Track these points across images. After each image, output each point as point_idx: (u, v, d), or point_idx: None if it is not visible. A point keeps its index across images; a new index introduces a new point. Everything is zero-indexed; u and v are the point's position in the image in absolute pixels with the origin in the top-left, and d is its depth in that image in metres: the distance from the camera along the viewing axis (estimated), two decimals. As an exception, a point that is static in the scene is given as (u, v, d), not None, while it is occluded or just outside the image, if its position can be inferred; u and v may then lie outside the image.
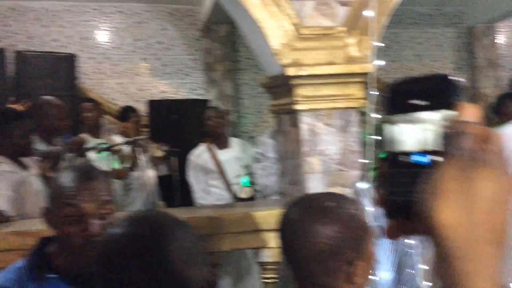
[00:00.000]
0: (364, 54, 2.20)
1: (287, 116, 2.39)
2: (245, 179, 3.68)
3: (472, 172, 0.42)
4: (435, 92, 0.45)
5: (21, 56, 4.59)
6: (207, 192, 3.65)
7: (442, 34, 5.70)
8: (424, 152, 0.45)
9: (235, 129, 5.25)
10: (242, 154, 3.67)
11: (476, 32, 5.59)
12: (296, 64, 2.18)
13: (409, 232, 0.47)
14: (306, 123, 2.20)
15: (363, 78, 2.18)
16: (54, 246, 1.27)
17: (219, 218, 2.14)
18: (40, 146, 2.94)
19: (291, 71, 2.16)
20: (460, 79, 0.45)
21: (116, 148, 3.51)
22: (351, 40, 2.22)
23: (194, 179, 3.65)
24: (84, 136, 3.62)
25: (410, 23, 5.62)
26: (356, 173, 2.19)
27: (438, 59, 5.69)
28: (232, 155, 3.63)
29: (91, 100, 4.13)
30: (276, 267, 2.16)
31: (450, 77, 0.45)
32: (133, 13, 5.19)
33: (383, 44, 2.35)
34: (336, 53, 2.20)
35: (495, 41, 5.70)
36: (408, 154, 0.46)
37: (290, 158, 2.39)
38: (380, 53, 5.91)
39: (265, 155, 2.98)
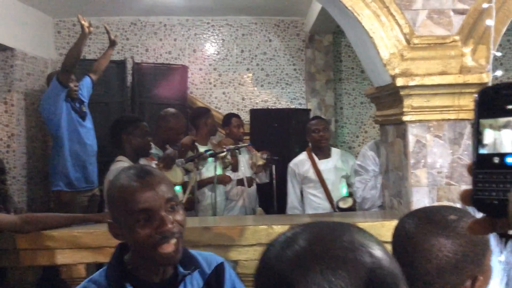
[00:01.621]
0: (480, 64, 2.11)
1: (393, 127, 2.36)
2: (345, 189, 3.66)
3: None
4: None
5: (138, 67, 4.97)
6: (303, 201, 3.69)
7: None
8: None
9: (334, 139, 5.22)
10: (342, 164, 3.66)
11: None
12: (406, 74, 2.15)
13: (495, 229, 0.50)
14: (413, 134, 2.15)
15: (478, 89, 2.08)
16: (130, 255, 1.24)
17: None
18: (155, 151, 3.17)
19: (400, 81, 2.13)
20: None
21: (221, 154, 3.66)
22: (466, 50, 2.14)
23: (291, 187, 3.71)
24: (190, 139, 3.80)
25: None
26: (466, 187, 2.09)
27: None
28: (332, 165, 3.64)
29: (237, 115, 4.31)
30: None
31: None
32: (240, 25, 5.41)
33: (500, 53, 2.23)
34: (450, 63, 2.14)
35: None
36: (502, 155, 0.49)
37: (394, 170, 2.35)
38: (494, 62, 5.55)
39: (365, 168, 2.95)
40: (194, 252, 1.31)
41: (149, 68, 5.05)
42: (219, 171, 3.66)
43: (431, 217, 1.02)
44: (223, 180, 3.75)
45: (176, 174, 3.13)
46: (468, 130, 2.13)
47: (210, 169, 3.55)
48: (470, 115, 2.12)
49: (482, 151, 0.50)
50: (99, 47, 5.12)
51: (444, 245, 0.96)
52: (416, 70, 2.15)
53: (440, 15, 2.17)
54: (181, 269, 1.22)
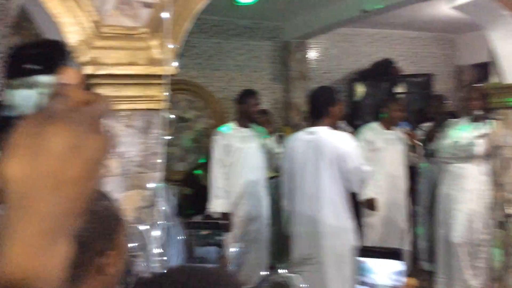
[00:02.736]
0: (166, 56, 2.22)
1: (87, 117, 2.30)
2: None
3: (45, 128, 0.44)
4: (47, 56, 0.47)
5: None
6: None
7: (261, 47, 6.09)
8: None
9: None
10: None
11: (290, 47, 6.10)
12: (95, 62, 2.11)
13: None
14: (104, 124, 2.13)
15: (164, 80, 2.20)
16: None
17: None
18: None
19: (89, 70, 2.08)
20: (66, 44, 0.49)
21: None
22: (154, 42, 2.22)
23: None
24: None
25: (232, 34, 5.90)
26: (156, 174, 2.19)
27: (257, 70, 6.05)
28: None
29: None
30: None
31: (60, 43, 0.48)
32: None
33: (175, 45, 2.34)
34: (138, 54, 2.19)
35: (307, 55, 6.29)
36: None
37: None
38: (204, 62, 6.06)
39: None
40: None
41: None
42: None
43: None
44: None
45: None
46: (156, 119, 2.23)
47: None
48: (159, 105, 2.23)
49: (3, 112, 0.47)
50: None
51: None
52: (105, 59, 2.13)
53: (128, 7, 2.20)
54: None
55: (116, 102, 2.15)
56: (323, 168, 3.02)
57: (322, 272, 3.00)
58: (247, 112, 3.91)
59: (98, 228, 0.96)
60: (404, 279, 0.93)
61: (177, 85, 5.56)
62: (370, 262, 0.90)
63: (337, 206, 3.04)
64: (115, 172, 2.13)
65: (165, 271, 0.60)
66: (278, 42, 6.18)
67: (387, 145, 4.14)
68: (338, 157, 2.97)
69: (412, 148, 4.18)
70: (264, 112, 5.30)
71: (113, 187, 2.13)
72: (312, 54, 6.52)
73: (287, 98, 6.14)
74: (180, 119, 5.66)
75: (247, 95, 3.95)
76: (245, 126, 3.97)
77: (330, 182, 3.02)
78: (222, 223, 1.11)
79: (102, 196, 1.03)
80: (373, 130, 4.24)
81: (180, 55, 5.63)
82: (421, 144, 4.44)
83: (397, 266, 0.90)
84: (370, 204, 3.98)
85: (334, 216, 3.02)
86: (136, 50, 2.18)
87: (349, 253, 3.00)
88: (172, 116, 2.09)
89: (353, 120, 5.74)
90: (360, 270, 0.90)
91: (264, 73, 6.11)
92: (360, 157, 3.08)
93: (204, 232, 1.13)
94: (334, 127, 3.17)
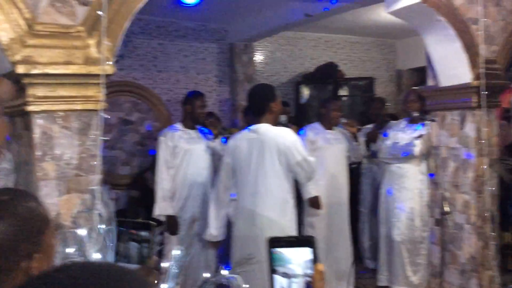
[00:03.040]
0: (105, 56, 2.16)
1: (20, 119, 2.20)
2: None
3: None
4: None
5: None
6: None
7: (207, 49, 6.06)
8: None
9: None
10: None
11: (236, 49, 6.12)
12: (29, 61, 2.02)
13: None
14: (39, 125, 2.04)
15: (102, 80, 2.13)
16: None
17: None
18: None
19: (22, 69, 1.99)
20: None
21: None
22: (91, 41, 2.16)
23: None
24: None
25: (177, 36, 5.83)
26: (94, 177, 2.12)
27: (202, 72, 6.03)
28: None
29: None
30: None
31: None
32: None
33: (113, 44, 2.29)
34: (74, 53, 2.11)
35: (253, 58, 6.33)
36: None
37: (24, 164, 2.19)
38: (148, 63, 5.95)
39: None
40: None
41: None
42: None
43: None
44: None
45: None
46: (94, 120, 2.16)
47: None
48: (97, 106, 2.16)
49: None
50: None
51: None
52: (39, 58, 2.04)
53: (63, 4, 2.12)
54: None
55: (51, 103, 2.07)
56: (269, 166, 3.03)
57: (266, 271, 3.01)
58: (193, 113, 3.88)
59: (23, 231, 0.92)
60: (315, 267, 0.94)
61: (120, 86, 5.44)
62: (285, 252, 0.90)
63: (283, 203, 3.06)
64: (51, 175, 2.05)
65: (59, 266, 0.58)
66: (224, 44, 6.18)
67: (327, 144, 4.21)
68: (285, 152, 2.99)
69: (354, 138, 4.25)
70: (210, 114, 5.28)
71: (49, 191, 2.04)
72: (258, 56, 6.56)
73: (234, 100, 6.14)
74: (124, 122, 5.54)
75: (193, 96, 3.92)
76: (191, 128, 3.93)
77: (276, 180, 3.04)
78: (153, 223, 1.09)
79: (28, 197, 0.98)
80: (314, 130, 4.31)
81: (122, 56, 5.54)
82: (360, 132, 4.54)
83: (310, 253, 0.91)
84: (315, 202, 4.03)
85: (277, 212, 3.04)
86: (72, 48, 2.11)
87: None
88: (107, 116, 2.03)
89: (300, 122, 5.82)
90: (275, 261, 0.90)
91: (210, 75, 6.08)
92: (304, 149, 3.13)
93: (132, 231, 1.10)
94: (275, 123, 3.20)
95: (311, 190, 3.94)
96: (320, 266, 0.85)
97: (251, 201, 3.07)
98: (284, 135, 3.06)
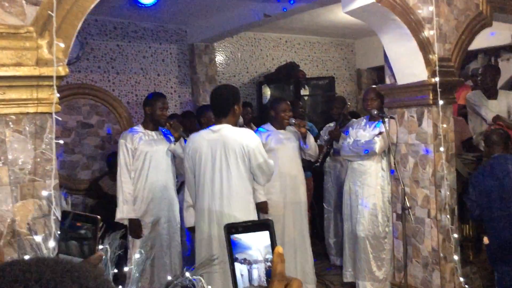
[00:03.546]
0: (57, 57, 2.09)
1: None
2: None
3: None
4: None
5: None
6: None
7: (166, 50, 5.98)
8: None
9: None
10: None
11: (197, 50, 6.06)
12: (-23, 63, 1.93)
13: None
14: (-10, 130, 1.96)
15: (55, 82, 2.06)
16: None
17: None
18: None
19: (-32, 72, 1.90)
20: None
21: None
22: (42, 42, 2.08)
23: None
24: None
25: (135, 37, 5.73)
26: (49, 182, 2.05)
27: (163, 73, 5.94)
28: None
29: None
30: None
31: None
32: None
33: (66, 45, 2.26)
34: (25, 54, 2.03)
35: (214, 59, 6.28)
36: None
37: (-26, 171, 2.09)
38: (106, 65, 5.82)
39: None
40: None
41: None
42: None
43: None
44: None
45: None
46: (49, 124, 2.09)
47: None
48: (50, 108, 2.09)
49: None
50: None
51: None
52: (-13, 60, 1.95)
53: (11, 4, 2.04)
54: None
55: (1, 106, 1.98)
56: (232, 166, 3.03)
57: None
58: (154, 115, 3.82)
59: None
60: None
61: (78, 89, 5.31)
62: (243, 238, 0.88)
63: (245, 203, 3.06)
64: (5, 181, 1.96)
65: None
66: (183, 45, 6.11)
67: (279, 145, 4.21)
68: (248, 153, 3.01)
69: (303, 138, 4.26)
70: (173, 116, 5.20)
71: (3, 197, 1.96)
72: (219, 57, 6.53)
73: (195, 101, 6.09)
74: (83, 125, 5.40)
75: (154, 98, 3.85)
76: (152, 130, 3.87)
77: (238, 179, 3.04)
78: (98, 217, 1.05)
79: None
80: (266, 131, 4.30)
81: (79, 58, 5.38)
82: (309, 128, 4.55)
83: (268, 237, 0.89)
84: (263, 207, 4.02)
85: (243, 213, 3.04)
86: (23, 50, 2.03)
87: None
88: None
89: (263, 122, 5.81)
90: (235, 248, 0.88)
91: (170, 76, 6.01)
92: (264, 151, 3.14)
93: (78, 224, 1.05)
94: (236, 124, 3.21)
95: (259, 195, 3.91)
96: (279, 249, 0.84)
97: (218, 203, 3.05)
98: (248, 137, 3.06)
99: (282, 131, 4.30)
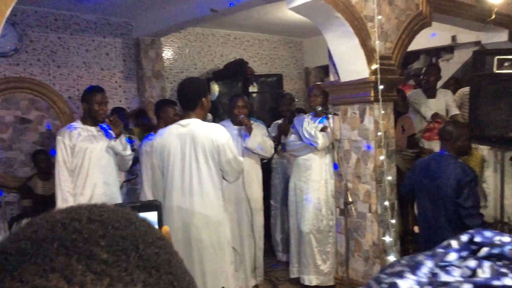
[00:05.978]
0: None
1: None
2: None
3: None
4: None
5: None
6: None
7: (110, 44, 5.80)
8: None
9: None
10: None
11: (143, 44, 5.92)
12: None
13: None
14: None
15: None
16: None
17: None
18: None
19: None
20: None
21: None
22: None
23: None
24: None
25: (77, 29, 5.52)
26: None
27: (107, 67, 5.76)
28: None
29: None
30: None
31: None
32: None
33: None
34: None
35: (161, 54, 6.15)
36: None
37: None
38: (46, 58, 5.61)
39: None
40: None
41: None
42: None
43: None
44: None
45: None
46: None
47: None
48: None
49: None
50: None
51: None
52: None
53: None
54: None
55: None
56: (203, 163, 2.97)
57: (201, 264, 2.96)
58: (91, 110, 3.69)
59: None
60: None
61: (16, 83, 5.07)
62: None
63: (214, 198, 3.01)
64: None
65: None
66: (129, 39, 5.96)
67: (235, 141, 4.22)
68: (218, 148, 2.96)
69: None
70: (117, 110, 5.06)
71: None
72: (166, 52, 6.42)
73: (142, 97, 5.96)
74: (21, 120, 5.17)
75: (91, 92, 3.72)
76: (92, 125, 3.74)
77: (210, 177, 2.98)
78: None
79: None
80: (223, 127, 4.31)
81: (17, 51, 5.15)
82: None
83: (156, 217, 0.92)
84: None
85: (211, 208, 2.99)
86: None
87: (226, 245, 3.03)
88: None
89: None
90: None
91: (115, 71, 5.84)
92: (234, 147, 3.10)
93: None
94: (205, 118, 3.17)
95: None
96: (166, 228, 0.83)
97: (188, 200, 2.98)
98: (217, 132, 3.01)
99: (238, 127, 4.30)
